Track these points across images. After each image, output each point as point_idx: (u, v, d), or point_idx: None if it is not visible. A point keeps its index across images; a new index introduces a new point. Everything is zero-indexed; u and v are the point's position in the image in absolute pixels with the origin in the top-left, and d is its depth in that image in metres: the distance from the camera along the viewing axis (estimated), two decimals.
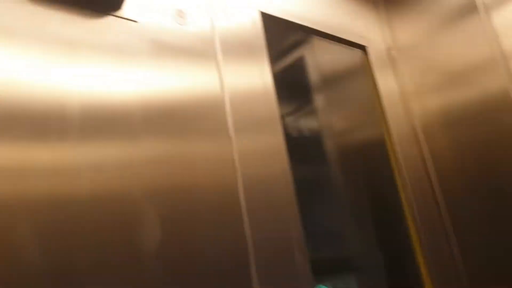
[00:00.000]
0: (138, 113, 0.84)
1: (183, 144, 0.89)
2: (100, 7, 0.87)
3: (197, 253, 0.83)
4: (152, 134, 0.85)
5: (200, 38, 1.02)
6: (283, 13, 1.27)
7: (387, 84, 1.49)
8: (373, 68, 1.48)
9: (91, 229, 0.72)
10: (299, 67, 1.52)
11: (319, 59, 1.51)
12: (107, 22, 0.87)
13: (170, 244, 0.80)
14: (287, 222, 1.01)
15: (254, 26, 1.17)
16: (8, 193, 0.66)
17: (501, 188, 1.26)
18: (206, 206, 0.88)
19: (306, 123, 1.54)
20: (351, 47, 1.47)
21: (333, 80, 1.52)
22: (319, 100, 1.54)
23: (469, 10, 1.35)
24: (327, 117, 1.52)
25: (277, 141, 1.09)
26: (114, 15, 0.89)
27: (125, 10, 0.91)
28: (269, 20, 1.22)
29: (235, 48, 1.09)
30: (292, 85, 1.52)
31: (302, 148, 1.44)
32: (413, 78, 1.50)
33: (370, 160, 1.45)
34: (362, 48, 1.49)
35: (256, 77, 1.11)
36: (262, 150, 1.04)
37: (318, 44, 1.48)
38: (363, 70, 1.49)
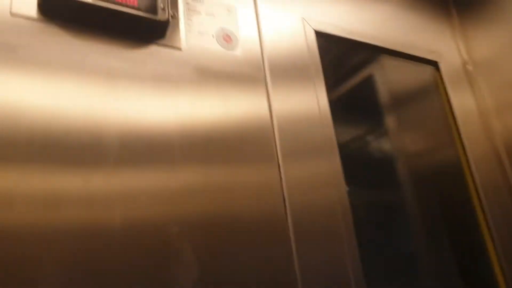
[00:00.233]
0: (177, 140, 0.82)
1: (225, 172, 0.85)
2: (142, 37, 0.86)
3: None
4: (192, 162, 0.82)
5: (248, 62, 0.98)
6: (341, 31, 1.21)
7: (462, 101, 1.36)
8: (447, 85, 1.36)
9: (123, 261, 0.70)
10: (363, 87, 1.43)
11: (384, 78, 1.42)
12: (149, 51, 0.87)
13: (209, 281, 0.76)
14: (344, 256, 0.93)
15: (309, 47, 1.11)
16: (39, 222, 0.66)
17: None
18: (249, 238, 0.83)
19: (373, 146, 1.45)
20: (421, 63, 1.36)
21: (401, 100, 1.41)
22: (386, 121, 1.45)
23: None
24: (396, 139, 1.42)
25: (333, 167, 1.02)
26: (156, 44, 0.88)
27: (169, 38, 0.90)
28: (325, 40, 1.16)
29: (287, 71, 1.05)
30: (355, 107, 1.43)
31: (369, 173, 1.35)
32: (493, 94, 1.35)
33: (444, 185, 1.32)
34: (433, 64, 1.38)
35: (309, 101, 1.05)
36: (315, 177, 0.97)
37: (383, 62, 1.39)
38: (434, 88, 1.37)
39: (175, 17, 0.93)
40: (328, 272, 0.90)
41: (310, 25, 1.14)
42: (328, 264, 0.91)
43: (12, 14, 0.74)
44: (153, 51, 0.87)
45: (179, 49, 0.90)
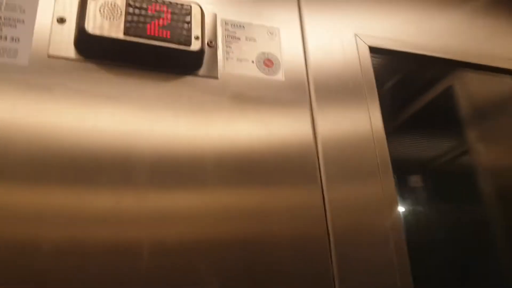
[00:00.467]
0: (210, 163, 0.81)
1: (262, 196, 0.82)
2: (177, 68, 0.87)
3: None
4: (225, 185, 0.80)
5: (290, 86, 0.95)
6: (400, 45, 1.12)
7: None
8: None
9: (150, 283, 0.69)
10: (436, 102, 1.32)
11: (462, 91, 1.29)
12: (184, 81, 0.87)
13: None
14: None
15: (362, 64, 1.05)
16: (66, 240, 0.67)
17: None
18: (288, 263, 0.79)
19: (455, 163, 1.34)
20: (499, 74, 1.22)
21: (479, 114, 1.27)
22: (467, 136, 1.32)
23: None
24: (477, 155, 1.29)
25: (386, 190, 0.94)
26: (192, 74, 0.88)
27: (205, 66, 0.90)
28: (381, 55, 1.09)
29: (335, 92, 0.99)
30: (429, 124, 1.33)
31: (447, 191, 1.24)
32: None
33: None
34: None
35: (361, 121, 0.98)
36: (364, 201, 0.91)
37: (459, 75, 1.27)
38: None
39: (212, 45, 0.92)
40: None
41: (363, 41, 1.08)
42: None
43: (50, 56, 0.78)
44: (189, 80, 0.87)
45: (215, 78, 0.90)
